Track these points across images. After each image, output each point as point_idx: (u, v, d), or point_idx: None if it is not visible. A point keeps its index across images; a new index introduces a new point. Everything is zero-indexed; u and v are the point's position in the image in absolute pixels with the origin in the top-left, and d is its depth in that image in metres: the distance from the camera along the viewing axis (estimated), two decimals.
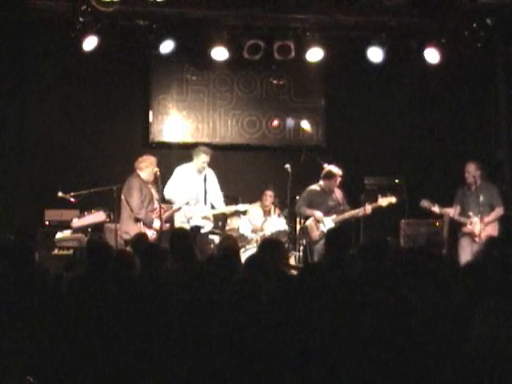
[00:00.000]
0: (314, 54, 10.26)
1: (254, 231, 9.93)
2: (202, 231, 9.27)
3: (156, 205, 8.89)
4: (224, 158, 10.99)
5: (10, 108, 10.22)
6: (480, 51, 10.11)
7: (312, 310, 4.23)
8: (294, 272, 6.76)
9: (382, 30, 10.19)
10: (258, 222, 10.05)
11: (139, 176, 8.87)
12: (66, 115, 10.51)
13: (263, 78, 11.09)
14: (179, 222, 9.21)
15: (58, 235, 9.29)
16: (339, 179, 9.45)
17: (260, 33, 10.16)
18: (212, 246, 9.56)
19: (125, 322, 4.38)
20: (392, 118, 11.10)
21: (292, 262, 9.42)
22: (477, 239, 8.96)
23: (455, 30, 9.94)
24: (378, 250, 5.63)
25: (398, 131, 11.14)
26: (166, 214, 9.04)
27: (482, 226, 9.02)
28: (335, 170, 9.45)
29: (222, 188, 9.88)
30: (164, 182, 9.23)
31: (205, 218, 9.35)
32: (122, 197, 8.81)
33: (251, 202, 10.05)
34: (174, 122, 10.96)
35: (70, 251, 9.20)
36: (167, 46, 9.99)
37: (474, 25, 9.83)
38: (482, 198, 9.07)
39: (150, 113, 10.86)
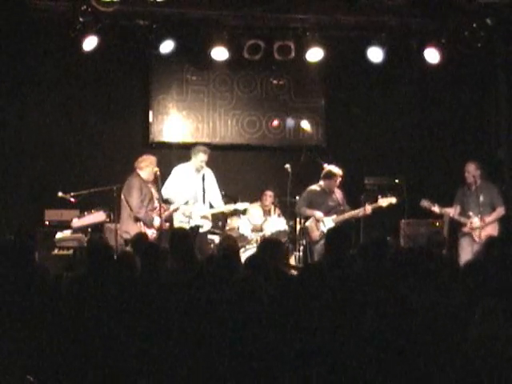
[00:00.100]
0: (314, 54, 10.25)
1: (254, 231, 9.93)
2: (201, 230, 9.27)
3: (156, 204, 8.89)
4: (224, 157, 10.99)
5: (10, 108, 10.23)
6: (480, 51, 10.11)
7: (312, 309, 4.23)
8: (294, 272, 6.77)
9: (382, 30, 10.19)
10: (258, 221, 10.06)
11: (139, 175, 8.87)
12: (66, 115, 10.51)
13: (263, 77, 11.09)
14: (178, 221, 9.21)
15: (58, 235, 9.28)
16: (339, 179, 9.45)
17: (260, 33, 10.15)
18: (212, 245, 9.56)
19: (125, 321, 4.38)
20: (392, 118, 11.10)
21: (292, 261, 9.42)
22: (477, 239, 8.96)
23: (455, 30, 9.94)
24: (378, 249, 5.63)
25: (398, 131, 11.14)
26: (165, 213, 9.03)
27: (481, 226, 9.02)
28: (335, 169, 9.45)
29: (222, 188, 9.89)
30: (164, 182, 9.23)
31: (203, 217, 9.36)
32: (122, 196, 8.81)
33: (251, 202, 10.05)
34: (173, 122, 10.96)
35: (70, 251, 9.19)
36: (167, 46, 9.99)
37: (474, 25, 9.83)
38: (482, 198, 9.07)
39: (150, 113, 10.86)
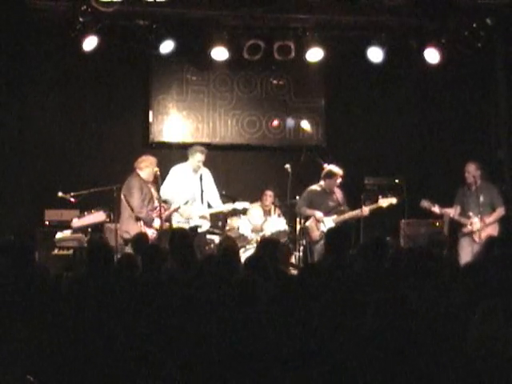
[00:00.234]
0: (314, 54, 10.25)
1: (254, 231, 9.93)
2: (200, 231, 9.26)
3: (156, 204, 8.89)
4: (224, 158, 11.00)
5: (11, 108, 10.22)
6: (480, 51, 10.11)
7: (312, 309, 4.23)
8: (294, 271, 6.77)
9: (382, 30, 10.19)
10: (258, 221, 10.05)
11: (139, 176, 8.88)
12: (66, 115, 10.51)
13: (263, 77, 11.09)
14: (176, 222, 9.20)
15: (58, 235, 9.29)
16: (340, 179, 9.45)
17: (260, 33, 10.15)
18: (212, 245, 9.56)
19: (125, 321, 4.38)
20: (392, 118, 11.10)
21: (292, 261, 9.42)
22: (477, 239, 8.96)
23: (455, 30, 9.94)
24: (378, 249, 5.63)
25: (398, 131, 11.14)
26: (166, 213, 9.03)
27: (482, 226, 9.02)
28: (336, 169, 9.45)
29: (222, 188, 9.90)
30: (163, 182, 9.25)
31: (202, 217, 9.35)
32: (122, 197, 8.81)
33: (251, 202, 10.05)
34: (173, 122, 10.96)
35: (70, 251, 9.20)
36: (167, 46, 9.98)
37: (474, 25, 9.84)
38: (482, 199, 9.06)
39: (150, 113, 10.86)
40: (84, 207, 9.35)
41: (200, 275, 5.42)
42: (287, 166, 9.86)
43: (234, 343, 3.94)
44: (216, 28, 10.05)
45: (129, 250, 8.05)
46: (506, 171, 10.55)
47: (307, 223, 9.45)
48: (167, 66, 10.78)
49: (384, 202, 9.39)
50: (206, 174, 9.51)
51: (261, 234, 9.82)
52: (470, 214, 9.10)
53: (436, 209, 9.23)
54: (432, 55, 10.11)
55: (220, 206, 9.54)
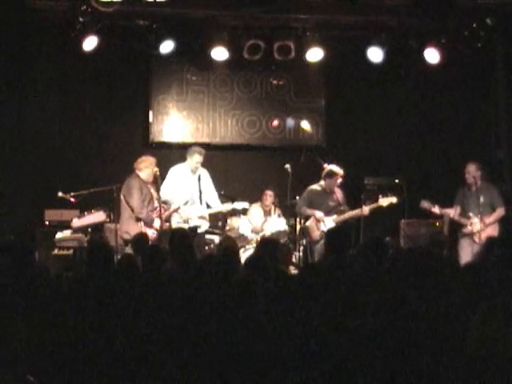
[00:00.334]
0: (314, 54, 10.25)
1: (254, 231, 9.93)
2: (199, 231, 9.26)
3: (156, 204, 8.90)
4: (224, 158, 11.01)
5: (11, 108, 10.23)
6: (480, 51, 10.11)
7: (312, 309, 4.23)
8: (295, 271, 6.77)
9: (382, 30, 10.19)
10: (258, 222, 10.05)
11: (138, 176, 8.87)
12: (66, 115, 10.52)
13: (263, 77, 11.09)
14: (175, 222, 9.19)
15: (58, 235, 9.29)
16: (340, 179, 9.45)
17: (260, 33, 10.15)
18: (212, 246, 9.56)
19: (125, 321, 4.38)
20: (392, 118, 11.10)
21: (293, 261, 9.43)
22: (477, 240, 8.95)
23: (455, 30, 9.94)
24: (377, 249, 5.63)
25: (398, 131, 11.14)
26: (166, 213, 9.03)
27: (482, 227, 9.02)
28: (336, 169, 9.45)
29: (222, 188, 9.90)
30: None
31: (201, 217, 9.35)
32: (122, 197, 8.81)
33: (251, 202, 10.05)
34: (174, 122, 10.96)
35: (70, 251, 9.20)
36: (167, 46, 9.98)
37: (474, 25, 9.84)
38: (482, 199, 9.06)
39: (150, 113, 10.86)
40: (84, 207, 9.35)
41: (200, 275, 5.42)
42: (287, 165, 9.86)
43: (233, 343, 3.94)
44: (216, 28, 10.05)
45: (129, 250, 8.05)
46: (505, 171, 10.55)
47: (307, 223, 9.45)
48: (167, 66, 10.78)
49: (384, 202, 9.39)
50: (205, 174, 9.51)
51: (261, 234, 9.82)
52: (470, 214, 9.10)
53: (436, 209, 9.23)
54: (432, 55, 10.11)
55: (219, 206, 9.53)
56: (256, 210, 10.20)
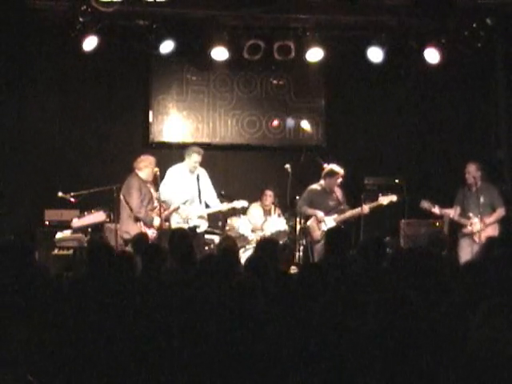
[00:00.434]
0: (314, 54, 10.25)
1: (254, 231, 9.93)
2: (198, 231, 9.26)
3: (156, 204, 8.89)
4: (224, 158, 11.01)
5: (11, 108, 10.23)
6: (480, 51, 10.11)
7: (312, 309, 4.23)
8: (295, 270, 6.77)
9: (382, 30, 10.18)
10: (258, 221, 10.05)
11: (138, 176, 8.88)
12: (66, 115, 10.52)
13: (263, 77, 11.09)
14: (175, 222, 9.19)
15: (58, 235, 9.29)
16: (340, 178, 9.45)
17: (260, 33, 10.15)
18: (212, 246, 9.56)
19: (125, 321, 4.38)
20: (392, 118, 11.10)
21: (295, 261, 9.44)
22: (477, 240, 8.96)
23: (455, 30, 9.94)
24: (377, 249, 5.63)
25: (398, 131, 11.13)
26: (165, 213, 9.02)
27: (482, 227, 9.01)
28: (337, 168, 9.45)
29: (222, 188, 9.89)
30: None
31: (200, 217, 9.35)
32: (121, 197, 8.81)
33: (251, 202, 10.05)
34: (173, 122, 10.96)
35: (70, 251, 9.19)
36: (167, 46, 9.98)
37: (474, 25, 9.83)
38: (482, 199, 9.06)
39: (150, 113, 10.86)
40: (84, 207, 9.35)
41: (200, 275, 5.42)
42: (287, 165, 9.86)
43: (233, 343, 3.94)
44: (216, 28, 10.05)
45: (129, 250, 8.05)
46: (506, 171, 10.55)
47: (308, 222, 9.44)
48: (167, 66, 10.77)
49: (384, 200, 9.39)
50: (203, 174, 9.50)
51: (261, 233, 9.81)
52: (470, 214, 9.10)
53: (436, 209, 9.23)
54: (432, 55, 10.11)
55: (218, 206, 9.52)
56: (256, 209, 10.20)
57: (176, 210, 9.21)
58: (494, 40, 10.29)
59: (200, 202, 9.35)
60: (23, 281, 5.01)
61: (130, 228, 8.60)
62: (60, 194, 9.14)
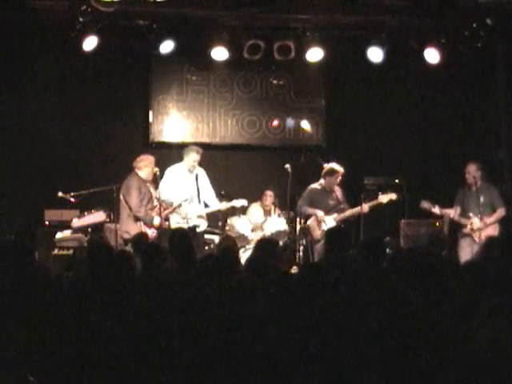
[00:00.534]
0: (314, 54, 10.25)
1: (254, 231, 9.92)
2: (198, 230, 9.25)
3: (155, 203, 8.89)
4: (224, 158, 11.01)
5: (11, 108, 10.23)
6: (480, 51, 10.11)
7: (312, 309, 4.23)
8: (295, 269, 6.77)
9: (382, 30, 10.18)
10: (258, 221, 10.05)
11: (137, 175, 8.88)
12: (66, 115, 10.52)
13: (263, 77, 11.09)
14: (174, 222, 9.18)
15: (58, 235, 9.29)
16: (340, 177, 9.44)
17: (260, 33, 10.15)
18: (212, 245, 9.56)
19: (125, 321, 4.38)
20: (392, 118, 11.10)
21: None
22: (477, 239, 8.96)
23: (455, 30, 9.94)
24: (376, 248, 5.63)
25: (398, 131, 11.14)
26: (166, 211, 9.00)
27: (482, 227, 9.02)
28: (337, 167, 9.44)
29: (222, 188, 9.88)
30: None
31: (199, 216, 9.34)
32: (121, 196, 8.81)
33: (251, 202, 10.05)
34: (174, 122, 10.96)
35: (70, 251, 9.19)
36: (167, 46, 9.98)
37: (474, 25, 9.83)
38: (482, 199, 9.06)
39: (150, 113, 10.86)
40: (84, 207, 9.35)
41: (200, 275, 5.42)
42: (287, 165, 9.86)
43: (233, 343, 3.94)
44: (216, 28, 10.05)
45: (129, 249, 8.05)
46: (506, 172, 10.55)
47: (308, 222, 9.44)
48: (167, 66, 10.78)
49: (384, 198, 9.38)
50: (202, 173, 9.49)
51: (261, 233, 9.81)
52: (470, 214, 9.10)
53: (436, 209, 9.23)
54: (432, 55, 10.11)
55: (217, 205, 9.51)
56: (256, 209, 10.20)
57: (178, 207, 9.16)
58: (494, 40, 10.30)
59: (199, 201, 9.34)
60: (23, 281, 5.00)
61: (129, 228, 8.60)
62: (60, 194, 9.14)
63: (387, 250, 7.16)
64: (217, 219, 9.96)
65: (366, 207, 9.31)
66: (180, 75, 10.92)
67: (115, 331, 4.28)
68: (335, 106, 11.19)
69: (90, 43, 9.51)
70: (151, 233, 8.63)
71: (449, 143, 11.03)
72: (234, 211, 9.90)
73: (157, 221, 8.78)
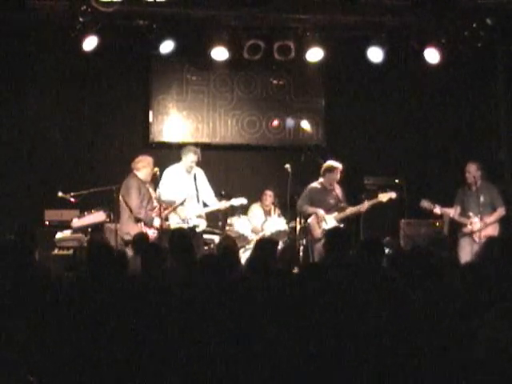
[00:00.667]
0: (314, 54, 10.26)
1: (254, 231, 9.92)
2: (197, 230, 9.24)
3: (155, 203, 8.88)
4: (224, 157, 11.01)
5: (11, 108, 10.24)
6: (480, 51, 10.11)
7: (312, 309, 4.23)
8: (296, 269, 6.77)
9: (382, 30, 10.19)
10: (258, 221, 10.05)
11: (136, 176, 8.86)
12: (66, 115, 10.52)
13: (263, 77, 11.09)
14: (175, 223, 9.17)
15: (58, 235, 9.29)
16: (339, 173, 9.41)
17: (260, 33, 10.15)
18: (212, 245, 9.55)
19: (125, 321, 4.38)
20: (392, 118, 11.10)
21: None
22: (477, 239, 8.96)
23: (455, 30, 9.94)
24: (375, 247, 5.64)
25: (398, 131, 11.14)
26: (166, 212, 8.99)
27: (482, 226, 9.02)
28: (335, 163, 9.42)
29: (222, 188, 9.88)
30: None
31: (199, 216, 9.33)
32: (121, 198, 8.79)
33: (251, 202, 10.05)
34: (174, 122, 10.96)
35: (70, 251, 9.20)
36: (167, 46, 9.98)
37: (474, 25, 9.84)
38: (482, 199, 9.06)
39: (150, 113, 10.86)
40: (84, 207, 9.35)
41: (200, 275, 5.41)
42: (287, 165, 9.85)
43: (233, 343, 3.94)
44: (216, 28, 10.06)
45: (129, 250, 8.05)
46: (506, 172, 10.55)
47: (309, 220, 9.42)
48: (167, 65, 10.78)
49: (384, 197, 9.37)
50: (200, 173, 9.47)
51: (261, 233, 9.81)
52: (470, 214, 9.10)
53: (436, 209, 9.23)
54: (432, 55, 10.11)
55: (216, 204, 9.47)
56: (256, 209, 10.20)
57: (181, 205, 9.11)
58: (494, 40, 10.29)
59: (198, 201, 9.33)
60: (23, 281, 5.01)
61: (130, 229, 8.59)
62: (60, 193, 9.14)
63: (387, 249, 7.17)
64: (217, 219, 9.96)
65: (365, 205, 9.30)
66: (180, 75, 10.92)
67: (115, 331, 4.28)
68: (335, 106, 11.19)
69: (90, 43, 9.51)
70: (152, 233, 8.62)
71: (449, 143, 11.03)
72: (233, 211, 9.89)
73: (157, 222, 8.77)
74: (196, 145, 9.84)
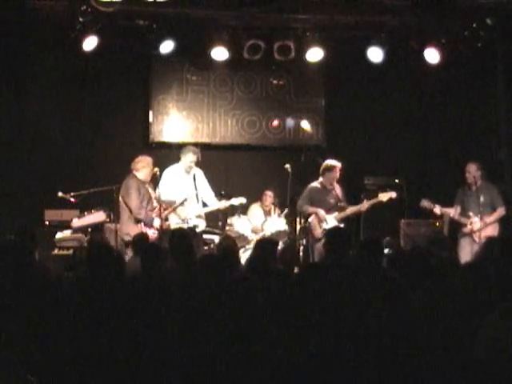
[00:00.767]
0: (314, 54, 10.26)
1: (254, 231, 9.92)
2: (197, 230, 9.24)
3: (155, 204, 8.88)
4: (224, 157, 11.01)
5: (11, 108, 10.23)
6: (480, 51, 10.11)
7: (312, 309, 4.23)
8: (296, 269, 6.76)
9: (382, 30, 10.19)
10: (258, 221, 10.05)
11: (136, 176, 8.85)
12: (66, 115, 10.52)
13: (263, 77, 11.10)
14: (175, 223, 9.16)
15: (58, 235, 9.29)
16: (338, 172, 9.40)
17: (260, 33, 10.16)
18: (212, 245, 9.55)
19: (125, 321, 4.38)
20: (392, 118, 11.10)
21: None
22: (477, 239, 8.96)
23: (455, 30, 9.94)
24: (375, 247, 5.64)
25: (398, 131, 11.14)
26: (166, 212, 8.98)
27: (482, 226, 9.02)
28: (334, 162, 9.41)
29: (222, 188, 9.88)
30: None
31: (198, 216, 9.33)
32: (120, 198, 8.78)
33: (251, 202, 10.05)
34: (174, 122, 10.96)
35: (70, 251, 9.19)
36: (167, 46, 9.99)
37: (474, 25, 9.84)
38: (482, 199, 9.06)
39: (150, 113, 10.87)
40: (84, 207, 9.35)
41: (200, 275, 5.42)
42: (287, 165, 9.85)
43: (233, 343, 3.94)
44: (216, 28, 10.06)
45: (130, 251, 8.05)
46: (506, 172, 10.55)
47: (309, 219, 9.41)
48: (167, 65, 10.78)
49: (384, 197, 9.37)
50: (199, 173, 9.46)
51: (261, 234, 9.81)
52: (470, 213, 9.10)
53: (436, 209, 9.23)
54: (432, 55, 10.12)
55: (216, 204, 9.46)
56: (256, 209, 10.20)
57: (181, 204, 9.11)
58: (494, 40, 10.29)
59: (197, 201, 9.32)
60: (23, 281, 5.01)
61: (130, 229, 8.58)
62: (60, 194, 9.13)
63: (387, 250, 7.17)
64: (217, 219, 9.96)
65: (365, 204, 9.30)
66: (180, 75, 10.92)
67: (115, 331, 4.28)
68: (335, 106, 11.19)
69: (90, 43, 9.52)
70: (152, 233, 8.61)
71: (449, 143, 11.03)
72: (233, 211, 9.89)
73: (157, 222, 8.77)
74: (196, 145, 9.85)
